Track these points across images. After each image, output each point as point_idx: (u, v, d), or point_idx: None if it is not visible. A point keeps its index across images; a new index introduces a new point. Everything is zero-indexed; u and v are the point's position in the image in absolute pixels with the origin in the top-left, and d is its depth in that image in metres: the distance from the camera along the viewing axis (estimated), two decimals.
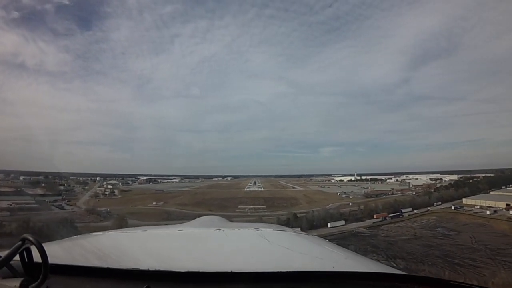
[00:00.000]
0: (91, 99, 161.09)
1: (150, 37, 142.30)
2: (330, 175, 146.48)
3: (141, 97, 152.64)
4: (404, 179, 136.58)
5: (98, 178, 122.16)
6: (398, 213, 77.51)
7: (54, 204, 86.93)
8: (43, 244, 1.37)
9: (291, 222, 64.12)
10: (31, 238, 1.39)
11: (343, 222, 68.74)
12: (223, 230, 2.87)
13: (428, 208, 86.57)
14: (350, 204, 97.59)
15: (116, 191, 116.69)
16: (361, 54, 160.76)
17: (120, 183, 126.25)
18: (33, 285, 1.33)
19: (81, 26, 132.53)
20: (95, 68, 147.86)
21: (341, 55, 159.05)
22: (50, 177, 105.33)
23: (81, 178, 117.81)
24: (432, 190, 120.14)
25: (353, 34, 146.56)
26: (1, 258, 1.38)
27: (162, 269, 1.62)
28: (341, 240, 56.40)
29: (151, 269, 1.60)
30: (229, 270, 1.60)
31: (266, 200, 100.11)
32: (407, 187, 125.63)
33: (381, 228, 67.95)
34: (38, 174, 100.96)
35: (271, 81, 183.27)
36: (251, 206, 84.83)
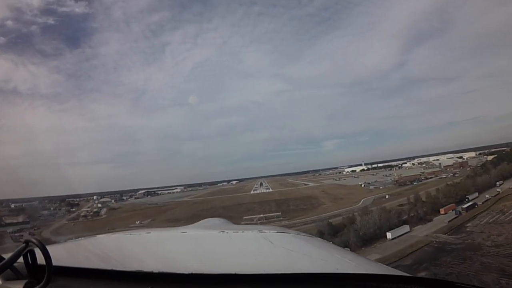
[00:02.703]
0: (88, 118, 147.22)
1: (140, 48, 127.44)
2: (336, 168, 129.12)
3: (138, 110, 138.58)
4: (421, 162, 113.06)
5: (95, 197, 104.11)
6: (471, 203, 49.61)
7: (15, 234, 67.77)
8: (47, 246, 1.30)
9: (326, 236, 36.62)
10: (34, 240, 1.31)
11: (406, 228, 40.78)
12: (227, 232, 2.62)
13: (497, 190, 59.10)
14: (387, 196, 69.91)
15: (103, 211, 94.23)
16: (354, 43, 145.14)
17: (113, 200, 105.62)
18: (37, 287, 1.25)
19: (69, 44, 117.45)
20: (89, 86, 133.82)
21: (334, 45, 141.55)
22: (45, 201, 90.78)
23: (76, 199, 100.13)
24: (468, 168, 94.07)
25: (344, 23, 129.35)
26: (4, 260, 1.30)
27: (166, 271, 1.52)
28: (437, 268, 28.58)
29: (155, 271, 1.51)
30: (233, 272, 1.50)
31: (279, 203, 71.95)
32: (437, 169, 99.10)
33: (467, 228, 39.86)
34: (32, 200, 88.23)
35: (266, 79, 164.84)
36: (261, 215, 56.50)
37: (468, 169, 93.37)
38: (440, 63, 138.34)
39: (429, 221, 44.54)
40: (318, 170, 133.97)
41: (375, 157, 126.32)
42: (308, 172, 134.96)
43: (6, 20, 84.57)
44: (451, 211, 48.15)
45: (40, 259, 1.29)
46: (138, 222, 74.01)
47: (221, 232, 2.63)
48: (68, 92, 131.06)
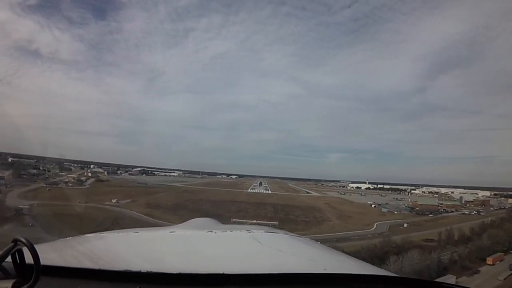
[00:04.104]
0: (102, 90, 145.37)
1: (164, 29, 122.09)
2: (339, 181, 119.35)
3: (151, 90, 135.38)
4: (431, 192, 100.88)
5: (92, 166, 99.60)
6: None
7: None
8: (35, 246, 1.26)
9: None
10: (23, 240, 1.26)
11: (451, 279, 28.31)
12: (215, 232, 2.59)
13: None
14: (405, 225, 57.47)
15: (89, 181, 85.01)
16: (377, 59, 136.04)
17: (106, 172, 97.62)
18: (25, 286, 1.20)
19: (96, 15, 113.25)
20: (108, 59, 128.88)
21: (356, 58, 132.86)
22: (44, 161, 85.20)
23: (73, 165, 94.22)
24: (492, 208, 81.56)
25: (371, 37, 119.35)
26: None
27: (153, 270, 1.49)
28: None
29: (142, 270, 1.48)
30: (221, 272, 1.48)
31: (277, 208, 59.92)
32: (457, 203, 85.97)
33: None
34: (31, 157, 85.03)
35: (282, 81, 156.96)
36: (254, 220, 44.29)
37: (492, 208, 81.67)
38: (461, 95, 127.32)
39: (475, 273, 32.10)
40: (320, 180, 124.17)
41: (379, 177, 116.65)
42: (309, 180, 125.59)
43: None
44: (499, 262, 35.65)
45: (28, 258, 1.24)
46: (115, 200, 63.02)
47: (210, 232, 2.56)
48: (87, 62, 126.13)
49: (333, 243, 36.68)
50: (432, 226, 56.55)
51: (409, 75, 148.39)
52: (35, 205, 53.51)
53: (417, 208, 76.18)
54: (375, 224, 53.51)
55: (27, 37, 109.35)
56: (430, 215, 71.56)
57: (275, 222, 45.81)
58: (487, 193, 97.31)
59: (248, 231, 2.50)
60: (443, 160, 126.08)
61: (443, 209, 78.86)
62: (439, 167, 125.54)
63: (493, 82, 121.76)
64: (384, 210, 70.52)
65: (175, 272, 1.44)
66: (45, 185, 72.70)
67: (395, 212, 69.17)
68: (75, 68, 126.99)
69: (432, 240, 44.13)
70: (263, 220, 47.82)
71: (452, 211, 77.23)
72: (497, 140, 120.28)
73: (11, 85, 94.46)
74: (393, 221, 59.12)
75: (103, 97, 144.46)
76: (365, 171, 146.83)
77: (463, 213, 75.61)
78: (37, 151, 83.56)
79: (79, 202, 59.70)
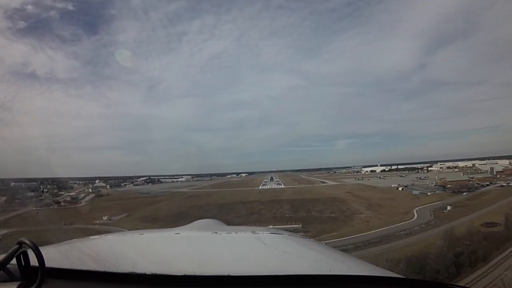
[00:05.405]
0: (103, 104, 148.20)
1: (157, 37, 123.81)
2: (350, 167, 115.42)
3: (152, 98, 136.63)
4: (449, 166, 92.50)
5: (97, 181, 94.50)
6: None
7: None
8: (40, 248, 1.26)
9: None
10: (27, 242, 1.25)
11: None
12: (220, 234, 2.55)
13: None
14: (449, 208, 47.72)
15: (87, 198, 77.16)
16: (375, 41, 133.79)
17: (108, 186, 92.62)
18: None
19: (87, 31, 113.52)
20: (105, 73, 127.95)
21: (353, 43, 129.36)
22: (46, 183, 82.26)
23: (78, 182, 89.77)
24: None
25: (365, 20, 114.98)
26: None
27: (158, 272, 1.46)
28: None
29: (148, 272, 1.45)
30: (226, 274, 1.45)
31: (295, 206, 50.43)
32: (489, 175, 76.43)
33: None
34: (34, 180, 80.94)
35: (282, 74, 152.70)
36: (271, 226, 34.80)
37: None
38: (462, 67, 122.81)
39: None
40: (332, 168, 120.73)
41: (389, 159, 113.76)
42: (320, 169, 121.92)
43: (26, 5, 79.83)
44: None
45: (33, 260, 1.23)
46: (107, 217, 54.39)
47: (214, 233, 2.55)
48: (85, 78, 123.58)
49: (380, 246, 27.45)
50: (479, 205, 46.96)
51: (408, 53, 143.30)
52: (8, 234, 44.91)
53: (449, 186, 66.76)
54: (415, 211, 43.93)
55: (22, 61, 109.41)
56: (465, 193, 61.96)
57: (297, 225, 36.42)
58: (506, 162, 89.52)
59: (253, 232, 2.41)
60: (451, 134, 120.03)
61: (477, 184, 69.47)
62: (449, 142, 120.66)
63: (490, 51, 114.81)
64: (415, 192, 60.94)
65: (180, 274, 1.40)
66: (34, 208, 64.89)
67: (428, 194, 59.75)
68: (73, 86, 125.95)
69: (494, 224, 34.60)
70: (281, 223, 38.52)
71: (487, 185, 67.78)
72: (503, 108, 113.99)
73: (12, 110, 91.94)
74: (431, 204, 49.58)
75: (104, 110, 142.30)
76: (375, 154, 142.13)
77: (501, 185, 66.22)
78: (42, 173, 79.67)
79: (64, 224, 51.11)
